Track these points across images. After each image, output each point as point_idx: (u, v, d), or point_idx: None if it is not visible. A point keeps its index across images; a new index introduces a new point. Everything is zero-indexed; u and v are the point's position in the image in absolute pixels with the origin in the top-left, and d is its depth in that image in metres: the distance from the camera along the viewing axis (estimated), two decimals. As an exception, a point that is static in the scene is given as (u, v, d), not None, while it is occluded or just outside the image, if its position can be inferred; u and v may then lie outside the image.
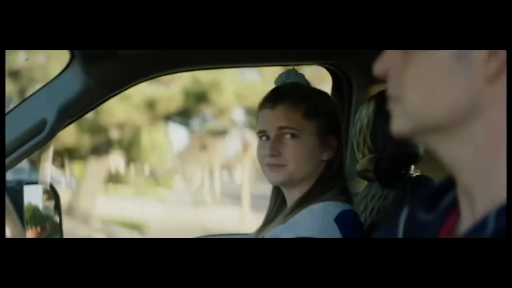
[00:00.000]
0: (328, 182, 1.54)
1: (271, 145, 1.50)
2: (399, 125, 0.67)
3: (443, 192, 0.75)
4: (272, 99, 1.54)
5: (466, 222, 0.67)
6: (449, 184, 0.72)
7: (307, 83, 1.61)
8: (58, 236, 1.67)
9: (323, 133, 1.53)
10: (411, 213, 0.78)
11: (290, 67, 1.65)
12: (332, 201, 1.50)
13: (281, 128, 1.51)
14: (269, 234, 1.51)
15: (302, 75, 1.61)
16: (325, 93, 1.61)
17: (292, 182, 1.53)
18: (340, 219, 1.46)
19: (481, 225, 0.61)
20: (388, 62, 0.68)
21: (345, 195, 1.54)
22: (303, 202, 1.52)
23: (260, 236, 1.56)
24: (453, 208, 0.71)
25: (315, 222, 1.44)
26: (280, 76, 1.62)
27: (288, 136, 1.50)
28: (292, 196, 1.57)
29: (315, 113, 1.52)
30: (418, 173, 1.71)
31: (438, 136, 0.65)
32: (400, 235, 0.78)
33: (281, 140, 1.51)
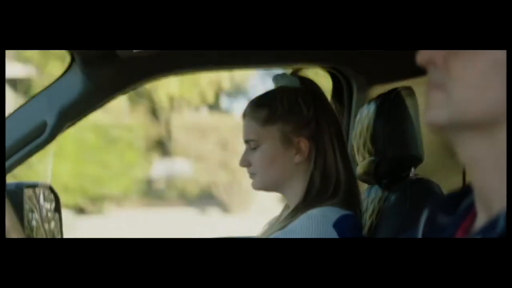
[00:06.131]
0: (322, 187, 1.52)
1: (242, 157, 1.59)
2: (436, 115, 0.64)
3: (462, 196, 0.74)
4: (243, 110, 1.60)
5: (480, 222, 0.67)
6: (469, 189, 0.71)
7: (303, 83, 1.58)
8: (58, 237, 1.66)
9: (289, 136, 1.53)
10: (431, 215, 0.78)
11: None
12: (331, 206, 1.49)
13: (245, 141, 1.58)
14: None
15: (286, 77, 1.59)
16: (293, 95, 1.55)
17: (270, 188, 1.58)
18: (339, 224, 1.45)
19: (492, 224, 0.61)
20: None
21: (348, 201, 1.53)
22: (301, 207, 1.51)
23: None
24: (471, 210, 0.71)
25: (313, 227, 1.43)
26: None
27: (251, 147, 1.57)
28: (289, 200, 1.57)
29: (276, 117, 1.53)
30: (418, 176, 1.70)
31: (469, 133, 0.63)
32: (419, 236, 0.78)
33: (248, 151, 1.58)
